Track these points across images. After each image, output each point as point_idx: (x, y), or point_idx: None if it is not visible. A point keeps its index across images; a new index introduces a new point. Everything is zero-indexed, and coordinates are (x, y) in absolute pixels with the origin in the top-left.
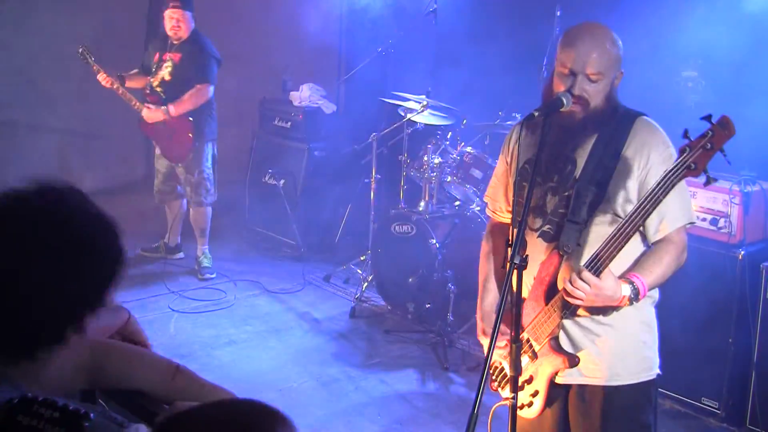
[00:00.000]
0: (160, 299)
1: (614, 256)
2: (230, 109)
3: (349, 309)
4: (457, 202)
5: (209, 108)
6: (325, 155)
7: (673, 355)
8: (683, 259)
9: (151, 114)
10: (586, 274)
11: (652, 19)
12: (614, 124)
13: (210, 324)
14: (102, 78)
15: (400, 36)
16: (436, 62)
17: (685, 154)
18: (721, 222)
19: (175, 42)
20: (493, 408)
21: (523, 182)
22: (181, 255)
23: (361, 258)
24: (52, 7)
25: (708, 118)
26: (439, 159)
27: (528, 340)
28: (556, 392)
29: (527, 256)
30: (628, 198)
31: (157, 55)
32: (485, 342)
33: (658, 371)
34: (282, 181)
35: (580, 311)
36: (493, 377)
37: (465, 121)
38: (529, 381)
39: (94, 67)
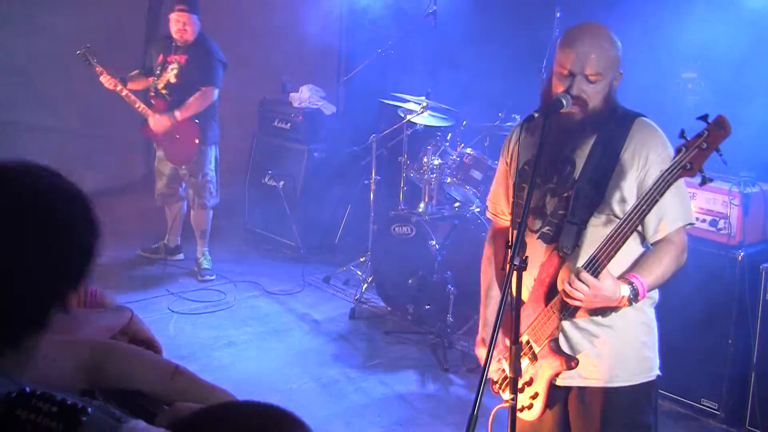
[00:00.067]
0: (160, 300)
1: (612, 257)
2: (230, 110)
3: (348, 310)
4: (457, 204)
5: (213, 111)
6: (324, 156)
7: (672, 356)
8: (683, 259)
9: (157, 122)
10: (585, 275)
11: (651, 19)
12: (613, 124)
13: (210, 325)
14: (105, 80)
15: (399, 37)
16: (436, 63)
17: (680, 154)
18: (721, 223)
19: (180, 44)
20: (493, 410)
21: (522, 183)
22: (181, 256)
23: (361, 259)
24: (52, 7)
25: (704, 117)
26: (439, 160)
27: (528, 342)
28: (556, 394)
29: (527, 257)
30: (626, 199)
31: (161, 57)
32: (482, 353)
33: (658, 372)
34: (282, 183)
35: (579, 312)
36: (495, 380)
37: (465, 123)
38: (529, 383)
39: (97, 69)
